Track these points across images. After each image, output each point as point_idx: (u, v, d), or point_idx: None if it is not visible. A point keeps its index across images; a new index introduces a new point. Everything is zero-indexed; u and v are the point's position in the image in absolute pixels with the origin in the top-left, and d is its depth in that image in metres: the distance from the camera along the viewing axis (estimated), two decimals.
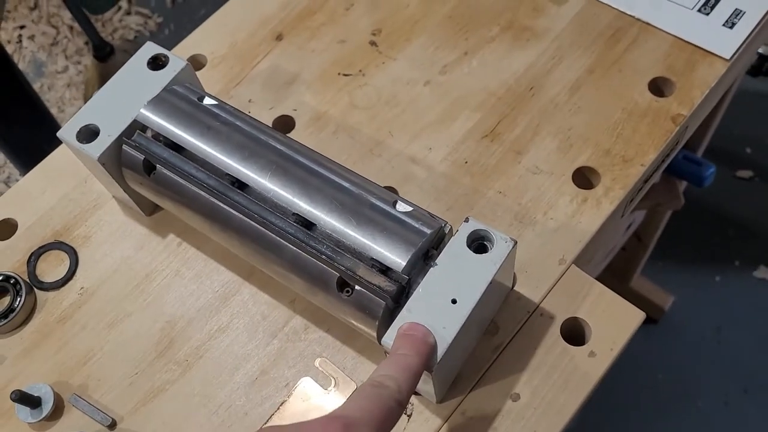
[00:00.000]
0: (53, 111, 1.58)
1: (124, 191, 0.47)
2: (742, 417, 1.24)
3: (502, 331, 0.43)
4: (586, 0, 0.55)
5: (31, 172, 0.52)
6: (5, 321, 0.46)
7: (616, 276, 1.26)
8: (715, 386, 1.27)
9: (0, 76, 0.99)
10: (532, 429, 0.40)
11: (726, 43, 0.51)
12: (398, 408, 0.32)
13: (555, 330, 0.43)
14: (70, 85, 1.69)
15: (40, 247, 0.49)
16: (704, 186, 0.86)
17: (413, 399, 0.42)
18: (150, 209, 0.50)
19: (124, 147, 0.44)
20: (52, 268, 0.49)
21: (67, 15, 1.79)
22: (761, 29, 0.53)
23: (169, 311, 0.46)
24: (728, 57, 0.51)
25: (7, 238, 0.50)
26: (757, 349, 1.30)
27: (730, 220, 1.43)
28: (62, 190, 0.52)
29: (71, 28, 1.76)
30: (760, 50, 1.54)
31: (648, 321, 1.40)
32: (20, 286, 0.47)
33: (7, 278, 0.47)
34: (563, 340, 0.43)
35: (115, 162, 0.44)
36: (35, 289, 0.48)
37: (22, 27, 1.78)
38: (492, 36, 0.55)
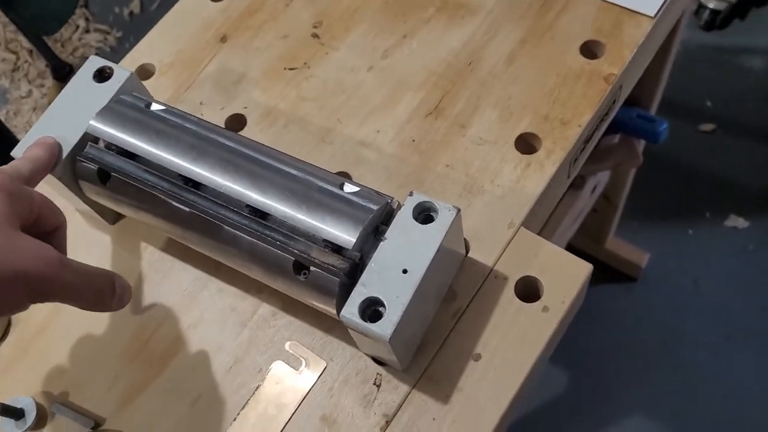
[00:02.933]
0: (21, 136, 1.59)
1: (85, 203, 0.48)
2: (728, 363, 1.27)
3: (460, 296, 0.45)
4: None
5: None
6: None
7: (590, 238, 1.29)
8: (698, 336, 1.30)
9: None
10: (494, 385, 0.42)
11: (650, 1, 0.53)
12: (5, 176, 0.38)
13: (509, 290, 0.45)
14: (36, 108, 1.69)
15: None
16: (659, 142, 0.88)
17: (381, 369, 0.44)
18: (113, 218, 0.51)
19: (78, 160, 0.45)
20: None
21: (25, 39, 1.79)
22: None
23: (140, 313, 0.48)
24: (653, 14, 0.53)
25: None
26: (734, 295, 1.33)
27: (697, 174, 1.46)
28: None
29: (30, 52, 1.76)
30: (711, 5, 1.57)
31: (627, 279, 1.43)
32: None
33: None
34: (518, 299, 0.45)
35: (72, 175, 0.46)
36: None
37: None
38: (428, 17, 0.57)
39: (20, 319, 0.49)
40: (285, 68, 0.56)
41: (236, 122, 0.55)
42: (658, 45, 0.60)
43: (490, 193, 0.49)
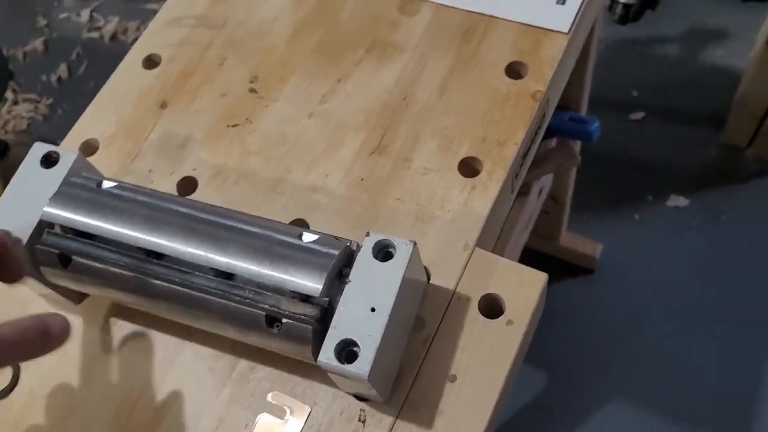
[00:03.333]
0: None
1: (48, 287, 0.49)
2: (686, 346, 1.32)
3: (428, 323, 0.47)
4: (435, 7, 0.60)
5: None
6: None
7: (544, 237, 1.33)
8: (657, 321, 1.35)
9: None
10: (472, 402, 0.44)
11: (562, 19, 0.57)
12: None
13: (474, 309, 0.47)
14: None
15: None
16: (593, 141, 0.92)
17: (364, 405, 0.46)
18: (77, 298, 0.52)
19: (37, 247, 0.46)
20: None
21: None
22: (589, 1, 0.59)
23: (120, 388, 0.49)
24: (567, 30, 0.56)
25: None
26: (688, 276, 1.39)
27: (635, 161, 1.52)
28: None
29: None
30: (623, 0, 1.65)
31: (584, 272, 1.48)
32: None
33: None
34: (483, 317, 0.47)
35: (32, 262, 0.46)
36: None
37: None
38: (359, 59, 0.59)
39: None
40: (227, 126, 0.58)
41: (188, 185, 0.56)
42: (577, 54, 0.64)
43: (442, 219, 0.51)
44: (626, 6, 1.66)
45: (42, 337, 0.37)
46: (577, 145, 1.01)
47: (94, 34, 1.90)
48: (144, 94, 0.61)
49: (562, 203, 1.22)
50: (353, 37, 0.61)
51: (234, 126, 0.58)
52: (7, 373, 0.50)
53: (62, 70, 1.83)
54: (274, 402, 0.47)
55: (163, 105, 0.60)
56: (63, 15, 1.95)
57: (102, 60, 1.86)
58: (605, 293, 1.38)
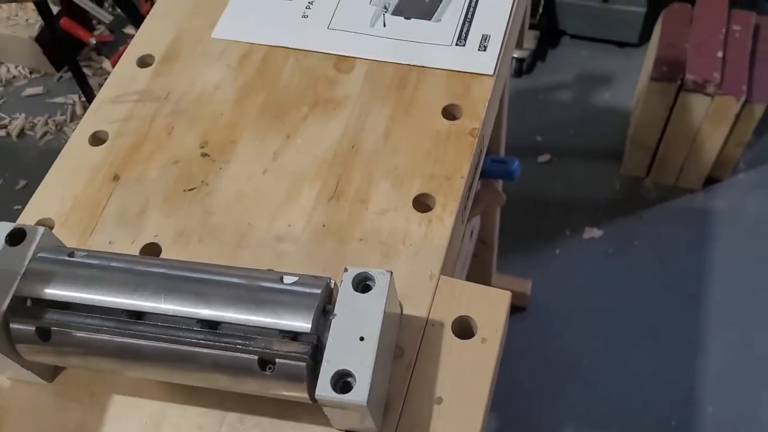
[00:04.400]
0: None
1: (21, 366, 0.48)
2: (625, 356, 1.39)
3: (407, 351, 0.50)
4: (368, 63, 0.65)
5: None
6: None
7: (477, 280, 1.37)
8: (592, 341, 1.41)
9: None
10: (460, 421, 0.47)
11: (485, 63, 0.63)
12: None
13: (448, 333, 0.50)
14: None
15: None
16: (515, 178, 0.99)
17: None
18: (50, 375, 0.51)
19: (12, 325, 0.45)
20: None
21: None
22: (506, 44, 0.65)
23: None
24: (491, 72, 0.62)
25: None
26: (610, 297, 1.47)
27: (548, 200, 1.62)
28: None
29: None
30: (516, 55, 1.78)
31: (518, 310, 1.54)
32: None
33: None
34: (458, 339, 0.50)
35: (7, 341, 0.46)
36: None
37: None
38: (304, 114, 0.63)
39: None
40: (184, 190, 0.59)
41: (151, 251, 0.56)
42: (500, 95, 0.70)
43: (405, 253, 0.54)
44: (519, 60, 1.80)
45: None
46: (499, 185, 1.08)
47: (1, 132, 1.85)
48: (95, 170, 0.61)
49: (491, 244, 1.27)
50: (295, 96, 0.64)
51: (191, 190, 0.59)
52: None
53: None
54: None
55: (116, 177, 0.61)
56: None
57: (11, 157, 1.82)
58: (540, 326, 1.44)
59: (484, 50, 0.63)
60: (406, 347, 0.50)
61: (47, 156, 1.82)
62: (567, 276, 1.51)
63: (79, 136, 0.64)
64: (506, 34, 0.64)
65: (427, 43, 0.64)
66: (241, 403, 0.49)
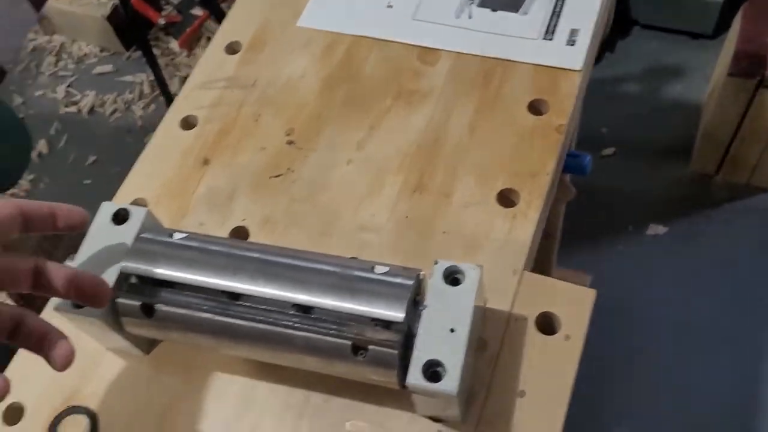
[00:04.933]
0: None
1: (124, 338, 0.50)
2: (687, 357, 1.37)
3: (490, 344, 0.50)
4: (454, 55, 0.65)
5: (18, 352, 0.54)
6: None
7: (537, 273, 1.37)
8: (650, 341, 1.40)
9: None
10: (543, 414, 0.47)
11: (573, 58, 0.62)
12: None
13: (531, 328, 0.51)
14: None
15: (56, 418, 0.51)
16: (587, 174, 0.98)
17: (439, 426, 0.48)
18: (148, 348, 0.53)
19: (119, 299, 0.48)
20: None
21: None
22: (595, 38, 0.65)
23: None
24: (579, 68, 0.62)
25: (18, 421, 0.52)
26: (671, 296, 1.45)
27: (611, 194, 1.60)
28: None
29: None
30: None
31: None
32: None
33: None
34: (541, 334, 0.50)
35: (113, 315, 0.48)
36: None
37: None
38: (388, 106, 0.64)
39: None
40: (270, 177, 0.61)
41: (240, 234, 0.58)
42: (584, 90, 0.69)
43: (489, 247, 0.55)
44: None
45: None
46: (567, 179, 1.07)
47: (72, 109, 1.92)
48: (185, 153, 0.64)
49: (554, 238, 1.27)
50: (379, 88, 0.65)
51: (277, 176, 0.61)
52: (86, 427, 0.51)
53: (42, 145, 1.84)
54: (352, 430, 0.49)
55: (206, 161, 0.63)
56: (39, 92, 1.96)
57: (81, 133, 1.88)
58: (597, 324, 1.42)
59: (573, 45, 0.63)
60: (490, 340, 0.51)
61: (116, 133, 1.88)
62: (628, 273, 1.48)
63: (170, 120, 0.66)
64: (595, 29, 0.64)
65: (514, 37, 0.65)
66: (327, 385, 0.51)
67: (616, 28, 1.82)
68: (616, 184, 1.61)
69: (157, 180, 0.62)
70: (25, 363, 0.54)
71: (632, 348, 1.39)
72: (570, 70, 0.62)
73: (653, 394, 1.33)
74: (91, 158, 1.83)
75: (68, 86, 1.97)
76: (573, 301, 0.51)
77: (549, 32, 0.64)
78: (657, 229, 1.53)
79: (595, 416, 1.32)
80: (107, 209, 0.51)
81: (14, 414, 0.52)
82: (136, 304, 0.47)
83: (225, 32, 0.72)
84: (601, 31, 0.70)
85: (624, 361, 1.38)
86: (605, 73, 1.75)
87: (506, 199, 0.57)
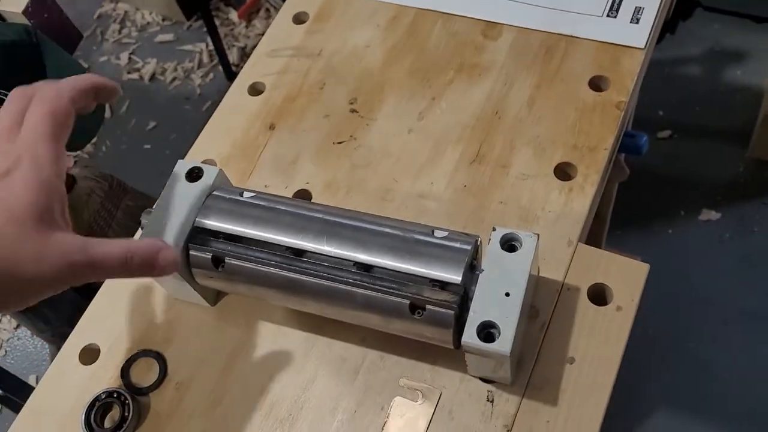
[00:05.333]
0: None
1: (193, 289, 0.53)
2: (733, 344, 1.36)
3: (542, 312, 0.52)
4: (516, 30, 0.66)
5: (96, 297, 0.58)
6: (122, 430, 0.51)
7: None
8: (699, 327, 1.39)
9: None
10: (592, 382, 0.49)
11: (637, 36, 0.62)
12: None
13: (583, 298, 0.52)
14: None
15: (128, 359, 0.55)
16: (642, 154, 0.98)
17: (490, 386, 0.50)
18: (214, 300, 0.57)
19: (192, 251, 0.51)
20: (144, 374, 0.55)
21: None
22: (660, 17, 0.65)
23: (260, 379, 0.53)
24: (643, 46, 0.62)
25: (94, 361, 0.56)
26: (722, 283, 1.43)
27: (664, 177, 1.58)
28: (130, 306, 0.58)
29: None
30: None
31: None
32: (124, 396, 0.53)
33: (110, 393, 0.53)
34: (593, 304, 0.52)
35: (185, 266, 0.51)
36: (137, 397, 0.54)
37: None
38: (450, 79, 0.65)
39: (150, 405, 0.53)
40: (333, 143, 0.63)
41: (303, 197, 0.61)
42: (645, 68, 0.69)
43: (544, 219, 0.56)
44: None
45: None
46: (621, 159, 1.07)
47: (134, 76, 1.98)
48: (253, 118, 0.66)
49: (604, 217, 1.26)
50: (442, 60, 0.66)
51: (340, 143, 0.63)
52: (156, 369, 0.54)
53: (105, 109, 1.90)
54: (405, 387, 0.51)
55: (272, 126, 0.65)
56: (103, 58, 2.03)
57: (142, 99, 1.94)
58: (646, 304, 1.42)
59: (637, 23, 0.63)
60: (541, 308, 0.52)
61: (175, 101, 1.94)
62: (678, 257, 1.47)
63: (238, 86, 0.69)
64: (661, 7, 0.64)
65: (578, 13, 0.65)
66: (382, 343, 0.53)
67: (679, 9, 1.78)
68: (670, 167, 1.59)
69: (225, 143, 0.65)
70: (100, 308, 0.58)
71: (678, 333, 1.39)
72: (633, 47, 0.62)
73: (697, 380, 1.33)
74: (151, 124, 1.89)
75: (131, 53, 2.03)
76: (626, 274, 0.52)
77: (613, 9, 0.64)
78: (710, 215, 1.51)
79: (636, 397, 1.33)
80: (182, 167, 0.54)
81: (90, 355, 0.56)
82: (207, 256, 0.50)
83: (292, 3, 0.74)
84: (666, 11, 0.70)
85: (669, 345, 1.38)
86: (664, 55, 1.72)
87: (563, 172, 0.58)
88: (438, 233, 0.49)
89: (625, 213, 1.50)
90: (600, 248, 1.40)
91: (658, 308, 1.42)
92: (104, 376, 0.55)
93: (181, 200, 0.52)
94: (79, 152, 1.80)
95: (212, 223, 0.51)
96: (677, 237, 1.50)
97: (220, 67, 1.93)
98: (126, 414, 0.52)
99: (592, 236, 1.31)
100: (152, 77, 1.98)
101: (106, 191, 1.33)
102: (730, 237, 1.49)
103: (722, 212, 1.51)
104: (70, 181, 1.31)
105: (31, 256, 0.38)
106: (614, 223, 1.37)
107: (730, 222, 1.50)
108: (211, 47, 1.95)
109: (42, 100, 0.42)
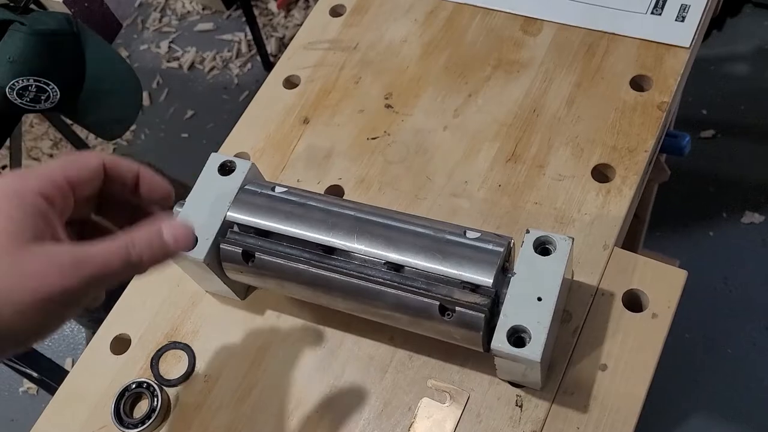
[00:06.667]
0: None
1: (223, 282, 0.54)
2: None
3: (575, 316, 0.51)
4: (557, 27, 0.65)
5: (127, 288, 0.59)
6: (150, 420, 0.52)
7: None
8: (739, 331, 1.35)
9: None
10: (624, 389, 0.48)
11: (682, 34, 0.60)
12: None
13: (618, 304, 0.51)
14: None
15: (158, 351, 0.56)
16: (684, 155, 0.95)
17: (519, 391, 0.49)
18: (244, 294, 0.57)
19: (222, 245, 0.51)
20: (173, 365, 0.55)
21: (45, 145, 1.85)
22: (707, 15, 0.62)
23: (288, 374, 0.53)
24: (688, 45, 0.60)
25: (125, 351, 0.56)
26: (764, 287, 1.39)
27: (707, 178, 1.54)
28: (160, 297, 0.58)
29: (52, 156, 1.83)
30: None
31: None
32: (153, 387, 0.53)
33: (140, 384, 0.54)
34: (627, 311, 0.50)
35: (215, 259, 0.51)
36: (165, 388, 0.54)
37: (3, 167, 1.84)
38: (487, 75, 0.64)
39: (178, 396, 0.54)
40: (367, 138, 0.63)
41: (335, 192, 0.61)
42: (690, 68, 0.67)
43: (580, 221, 0.55)
44: None
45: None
46: (663, 159, 1.04)
47: (173, 64, 2.00)
48: (287, 111, 0.66)
49: (643, 218, 1.24)
50: (479, 56, 0.65)
51: (374, 138, 0.63)
52: (185, 361, 0.55)
53: (144, 98, 1.92)
54: (433, 388, 0.51)
55: (306, 120, 0.65)
56: (143, 47, 2.05)
57: (181, 88, 1.96)
58: (685, 307, 1.39)
59: (682, 21, 0.61)
60: (575, 312, 0.51)
61: (213, 90, 1.95)
62: (719, 260, 1.43)
63: (274, 78, 0.69)
64: (708, 4, 0.62)
65: (621, 10, 0.63)
66: (411, 343, 0.52)
67: (727, 5, 1.73)
68: (712, 167, 1.55)
69: (259, 135, 0.65)
70: (131, 299, 0.59)
71: (716, 337, 1.35)
72: (677, 46, 0.60)
73: (735, 386, 1.30)
74: (189, 113, 1.90)
75: (171, 42, 2.05)
76: (663, 280, 0.51)
77: (658, 6, 0.62)
78: (753, 218, 1.47)
79: (673, 401, 1.30)
80: (215, 160, 0.54)
81: (121, 345, 0.57)
82: (237, 250, 0.50)
83: None
84: (713, 8, 0.67)
85: (707, 350, 1.34)
86: (710, 52, 1.68)
87: (601, 174, 0.57)
88: (470, 234, 0.48)
89: (666, 214, 1.47)
90: (638, 249, 1.37)
91: (697, 312, 1.39)
92: (134, 367, 0.56)
93: (213, 193, 0.52)
94: (117, 140, 1.83)
95: (243, 217, 0.51)
96: (719, 239, 1.46)
97: (258, 57, 1.94)
98: (154, 405, 0.53)
99: (630, 237, 1.29)
100: (191, 66, 2.00)
101: None
102: None
103: (766, 215, 1.47)
104: None
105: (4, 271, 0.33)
106: (654, 223, 1.34)
107: None
108: (250, 37, 1.96)
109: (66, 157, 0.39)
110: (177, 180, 1.31)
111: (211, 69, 1.99)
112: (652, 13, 0.62)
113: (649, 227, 1.33)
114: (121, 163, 0.41)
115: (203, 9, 2.14)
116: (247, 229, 0.51)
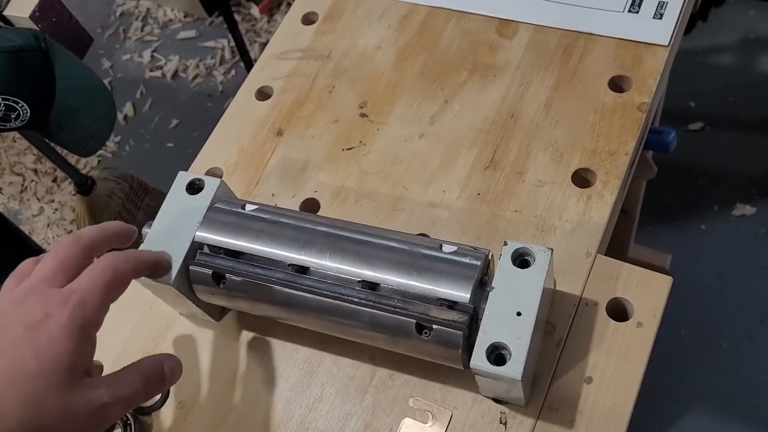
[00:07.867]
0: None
1: (195, 305, 0.52)
2: (760, 350, 1.31)
3: (558, 328, 0.49)
4: (533, 28, 0.63)
5: None
6: None
7: (613, 251, 1.33)
8: (733, 325, 1.34)
9: None
10: (611, 402, 0.46)
11: (660, 32, 0.59)
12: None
13: (602, 313, 0.49)
14: (50, 224, 1.73)
15: None
16: (670, 151, 0.94)
17: (503, 407, 0.48)
18: (218, 315, 0.55)
19: (192, 267, 0.49)
20: None
21: (29, 160, 1.83)
22: (685, 12, 0.61)
23: (265, 397, 0.51)
24: (666, 43, 0.59)
25: None
26: (758, 280, 1.38)
27: (697, 171, 1.53)
28: (132, 322, 0.56)
29: (35, 171, 1.81)
30: None
31: None
32: (126, 416, 0.51)
33: None
34: (612, 320, 0.49)
35: (185, 282, 0.50)
36: (139, 416, 0.52)
37: None
38: (463, 80, 0.62)
39: (152, 425, 0.52)
40: (343, 149, 0.61)
41: (311, 206, 0.59)
42: (671, 66, 0.66)
43: (561, 228, 0.53)
44: None
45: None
46: (650, 155, 1.03)
47: (156, 73, 1.98)
48: (261, 124, 0.64)
49: (632, 215, 1.22)
50: (454, 61, 0.64)
51: (349, 149, 0.61)
52: None
53: (128, 108, 1.90)
54: (415, 407, 0.49)
55: (279, 132, 0.63)
56: (125, 56, 2.03)
57: (165, 97, 1.94)
58: (678, 301, 1.37)
59: (660, 18, 0.60)
60: (558, 324, 0.49)
61: (198, 97, 1.93)
62: (711, 254, 1.42)
63: (246, 90, 0.67)
64: (685, 1, 0.60)
65: (597, 9, 0.62)
66: (391, 361, 0.51)
67: None
68: (702, 160, 1.53)
69: (232, 150, 0.63)
70: (103, 326, 0.57)
71: (710, 331, 1.34)
72: (656, 45, 0.59)
73: (730, 380, 1.29)
74: (174, 122, 1.88)
75: (153, 51, 2.03)
76: (648, 287, 0.50)
77: (635, 5, 0.61)
78: (744, 210, 1.46)
79: (667, 397, 1.29)
80: (183, 179, 0.52)
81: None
82: (207, 272, 0.49)
83: (302, 2, 0.72)
84: (692, 4, 0.66)
85: (702, 344, 1.33)
86: (696, 43, 1.66)
87: (582, 178, 0.55)
88: (446, 248, 0.46)
89: (656, 208, 1.45)
90: (629, 246, 1.36)
91: (690, 306, 1.38)
92: None
93: (181, 213, 0.51)
94: (101, 152, 1.81)
95: (213, 237, 0.49)
96: (710, 233, 1.45)
97: (242, 64, 1.92)
98: None
99: (620, 234, 1.27)
100: (174, 74, 1.98)
101: (126, 192, 1.33)
102: (765, 232, 1.43)
103: (757, 207, 1.46)
104: (89, 183, 1.31)
105: (57, 412, 0.38)
106: (644, 218, 1.33)
107: (765, 217, 1.44)
108: (233, 43, 1.94)
109: (109, 256, 0.43)
110: (163, 192, 1.29)
111: (195, 77, 1.98)
112: (629, 11, 0.61)
113: (640, 222, 1.32)
114: (97, 235, 0.45)
115: (185, 16, 2.12)
116: (217, 249, 0.50)
